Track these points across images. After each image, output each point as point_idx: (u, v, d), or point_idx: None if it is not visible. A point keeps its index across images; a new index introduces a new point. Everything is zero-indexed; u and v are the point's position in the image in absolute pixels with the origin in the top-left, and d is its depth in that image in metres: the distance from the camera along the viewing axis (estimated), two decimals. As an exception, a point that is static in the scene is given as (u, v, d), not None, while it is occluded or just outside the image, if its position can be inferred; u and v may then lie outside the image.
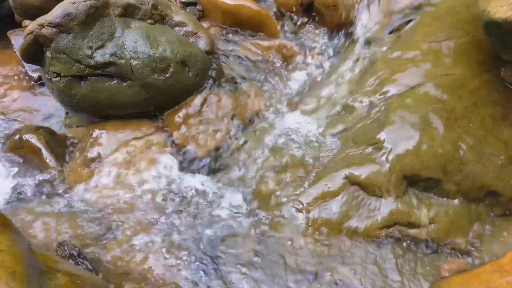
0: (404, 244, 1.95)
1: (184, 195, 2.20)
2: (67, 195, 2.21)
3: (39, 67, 2.57)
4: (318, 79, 2.76)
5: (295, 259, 1.90)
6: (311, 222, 1.98)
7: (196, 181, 2.26)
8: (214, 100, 2.52)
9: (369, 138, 2.13)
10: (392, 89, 2.28)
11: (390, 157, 2.02)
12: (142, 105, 2.45)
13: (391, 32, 2.68)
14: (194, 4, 3.04)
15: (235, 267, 1.89)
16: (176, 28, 2.63)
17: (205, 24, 2.93)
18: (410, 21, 2.62)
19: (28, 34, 2.33)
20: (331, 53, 2.91)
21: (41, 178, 2.28)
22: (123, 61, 2.34)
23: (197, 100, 2.51)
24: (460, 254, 1.94)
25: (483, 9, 1.95)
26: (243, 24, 2.95)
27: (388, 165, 2.00)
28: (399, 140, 2.06)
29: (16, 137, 2.37)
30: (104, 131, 2.40)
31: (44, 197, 2.20)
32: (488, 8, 1.92)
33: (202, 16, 3.03)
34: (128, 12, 2.51)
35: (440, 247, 1.95)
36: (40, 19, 2.33)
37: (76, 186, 2.24)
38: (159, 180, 2.24)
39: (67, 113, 2.59)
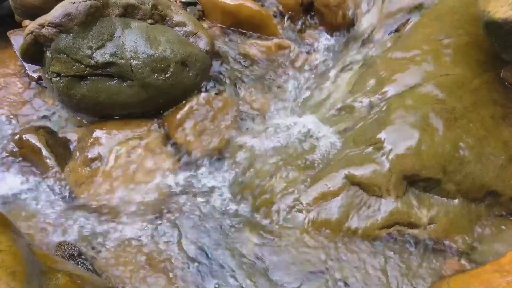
0: (404, 244, 1.95)
1: (184, 195, 2.20)
2: (67, 195, 2.21)
3: (39, 67, 2.57)
4: (318, 79, 2.76)
5: (295, 259, 1.90)
6: (311, 222, 1.98)
7: (196, 181, 2.26)
8: (214, 100, 2.52)
9: (369, 138, 2.13)
10: (392, 89, 2.28)
11: (390, 157, 2.02)
12: (142, 105, 2.45)
13: (391, 32, 2.69)
14: (194, 4, 3.04)
15: (235, 267, 1.89)
16: (176, 28, 2.63)
17: (205, 24, 2.93)
18: (410, 21, 2.62)
19: (28, 34, 2.33)
20: (331, 53, 2.91)
21: (41, 178, 2.28)
22: (123, 61, 2.34)
23: (197, 100, 2.51)
24: (460, 254, 1.94)
25: (483, 9, 1.95)
26: (243, 24, 2.95)
27: (388, 165, 2.00)
28: (399, 140, 2.06)
29: (16, 137, 2.37)
30: (104, 131, 2.40)
31: (44, 197, 2.20)
32: (488, 8, 1.92)
33: (202, 16, 3.03)
34: (128, 12, 2.51)
35: (440, 247, 1.95)
36: (40, 19, 2.33)
37: (76, 186, 2.24)
38: (158, 180, 2.24)
39: (66, 112, 2.59)
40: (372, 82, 2.39)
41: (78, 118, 2.54)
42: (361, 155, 2.09)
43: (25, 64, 2.74)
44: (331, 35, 2.98)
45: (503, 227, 2.05)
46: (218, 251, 1.95)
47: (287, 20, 3.04)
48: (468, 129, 2.09)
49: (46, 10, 2.42)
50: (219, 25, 2.98)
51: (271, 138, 2.37)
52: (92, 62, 2.32)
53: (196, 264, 1.91)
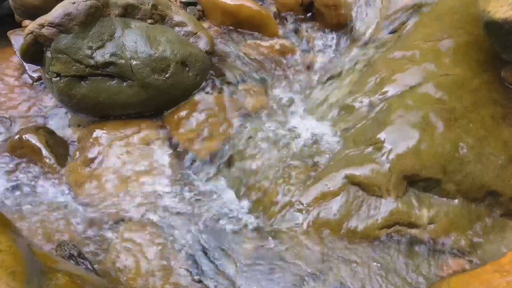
0: (404, 244, 1.95)
1: (184, 195, 2.20)
2: (67, 195, 2.21)
3: (39, 67, 2.57)
4: (318, 79, 2.76)
5: (295, 260, 1.90)
6: (311, 222, 1.98)
7: (196, 181, 2.26)
8: (214, 100, 2.52)
9: (369, 138, 2.13)
10: (392, 89, 2.29)
11: (390, 157, 2.02)
12: (142, 105, 2.45)
13: (391, 32, 2.69)
14: (194, 4, 3.04)
15: (235, 268, 1.89)
16: (176, 28, 2.63)
17: (205, 24, 2.93)
18: (410, 21, 2.62)
19: (28, 34, 2.33)
20: (331, 53, 2.91)
21: (41, 178, 2.28)
22: (123, 61, 2.34)
23: (197, 100, 2.51)
24: (460, 254, 1.94)
25: (483, 9, 1.95)
26: (243, 24, 2.95)
27: (388, 165, 2.00)
28: (399, 140, 2.06)
29: (16, 137, 2.37)
30: (104, 131, 2.40)
31: (44, 197, 2.20)
32: (488, 8, 1.92)
33: (202, 16, 3.03)
34: (128, 12, 2.51)
35: (440, 247, 1.95)
36: (40, 19, 2.33)
37: (76, 186, 2.24)
38: (158, 180, 2.24)
39: (66, 112, 2.59)
40: (372, 82, 2.39)
41: (78, 118, 2.54)
42: (361, 155, 2.09)
43: (25, 64, 2.74)
44: (331, 35, 2.98)
45: (503, 227, 2.05)
46: (217, 251, 1.95)
47: (287, 20, 3.04)
48: (468, 129, 2.09)
49: (46, 10, 2.42)
50: (219, 25, 2.98)
51: (271, 138, 2.37)
52: (92, 62, 2.32)
53: (194, 265, 1.91)
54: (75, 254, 1.82)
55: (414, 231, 1.96)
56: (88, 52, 2.32)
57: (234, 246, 1.97)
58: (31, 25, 2.34)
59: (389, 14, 2.72)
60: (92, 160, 2.31)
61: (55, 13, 2.31)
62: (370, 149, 2.09)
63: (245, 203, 2.14)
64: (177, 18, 2.65)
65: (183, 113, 2.47)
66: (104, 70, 2.35)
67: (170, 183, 2.24)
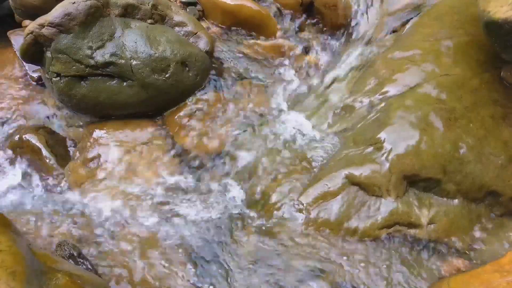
0: (404, 244, 1.95)
1: (184, 195, 2.20)
2: (67, 195, 2.21)
3: (39, 67, 2.57)
4: (318, 79, 2.76)
5: (295, 260, 1.90)
6: (311, 222, 1.98)
7: (196, 182, 2.26)
8: (214, 100, 2.52)
9: (369, 138, 2.13)
10: (392, 89, 2.29)
11: (390, 157, 2.02)
12: (142, 105, 2.45)
13: (391, 32, 2.69)
14: (194, 4, 3.03)
15: (235, 268, 1.89)
16: (176, 28, 2.63)
17: (205, 24, 2.93)
18: (410, 21, 2.62)
19: (28, 34, 2.33)
20: (331, 53, 2.91)
21: (41, 178, 2.28)
22: (123, 61, 2.34)
23: (197, 100, 2.51)
24: (460, 254, 1.94)
25: (483, 9, 1.95)
26: (243, 24, 2.95)
27: (388, 165, 2.00)
28: (399, 140, 2.06)
29: (16, 137, 2.37)
30: (104, 131, 2.40)
31: (44, 197, 2.20)
32: (488, 8, 1.92)
33: (202, 16, 3.03)
34: (128, 12, 2.51)
35: (440, 247, 1.95)
36: (40, 19, 2.33)
37: (76, 186, 2.24)
38: (158, 180, 2.24)
39: (66, 112, 2.59)
40: (372, 82, 2.39)
41: (78, 118, 2.54)
42: (361, 155, 2.09)
43: (25, 64, 2.74)
44: (331, 35, 2.98)
45: (503, 227, 2.05)
46: (217, 251, 1.95)
47: (287, 20, 3.04)
48: (468, 129, 2.09)
49: (46, 10, 2.42)
50: (219, 25, 2.98)
51: (271, 138, 2.37)
52: (92, 62, 2.32)
53: (194, 264, 1.91)
54: (75, 254, 1.82)
55: (414, 231, 1.96)
56: (88, 52, 2.32)
57: (234, 245, 1.97)
58: (31, 25, 2.34)
59: (389, 14, 2.72)
60: (92, 160, 2.31)
61: (55, 13, 2.31)
62: (370, 149, 2.09)
63: (245, 203, 2.14)
64: (177, 18, 2.65)
65: (183, 113, 2.47)
66: (104, 70, 2.35)
67: (170, 182, 2.24)
